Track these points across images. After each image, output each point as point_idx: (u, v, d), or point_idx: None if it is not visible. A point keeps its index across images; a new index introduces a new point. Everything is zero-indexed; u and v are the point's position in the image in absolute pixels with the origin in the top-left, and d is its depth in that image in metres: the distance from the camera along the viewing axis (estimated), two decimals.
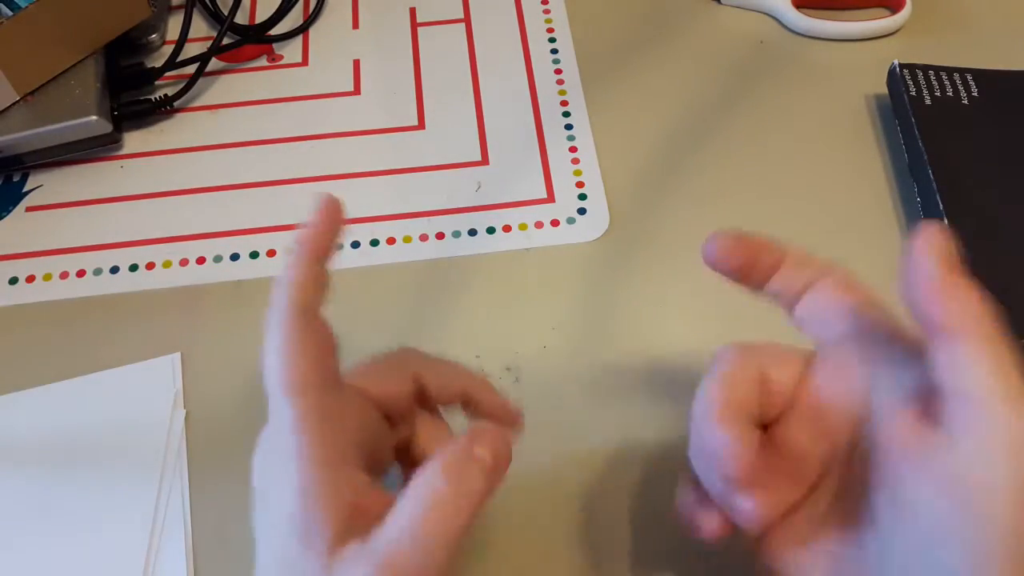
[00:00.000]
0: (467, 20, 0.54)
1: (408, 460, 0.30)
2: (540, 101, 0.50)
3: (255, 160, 0.48)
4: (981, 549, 0.21)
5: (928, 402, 0.23)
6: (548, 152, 0.47)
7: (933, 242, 0.24)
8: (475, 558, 0.35)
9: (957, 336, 0.23)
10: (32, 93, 0.46)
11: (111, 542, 0.35)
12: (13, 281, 0.43)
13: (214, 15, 0.53)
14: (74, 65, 0.47)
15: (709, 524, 0.27)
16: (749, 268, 0.28)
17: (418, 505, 0.23)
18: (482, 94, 0.50)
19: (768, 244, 0.28)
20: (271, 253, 0.44)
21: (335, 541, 0.23)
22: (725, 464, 0.25)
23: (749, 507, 0.25)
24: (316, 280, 0.27)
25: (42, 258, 0.44)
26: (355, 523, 0.24)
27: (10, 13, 0.44)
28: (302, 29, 0.54)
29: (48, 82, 0.46)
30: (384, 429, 0.29)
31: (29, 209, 0.46)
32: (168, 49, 0.50)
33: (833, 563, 0.25)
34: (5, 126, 0.45)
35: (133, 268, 0.44)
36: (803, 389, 0.27)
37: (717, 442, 0.25)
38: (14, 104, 0.46)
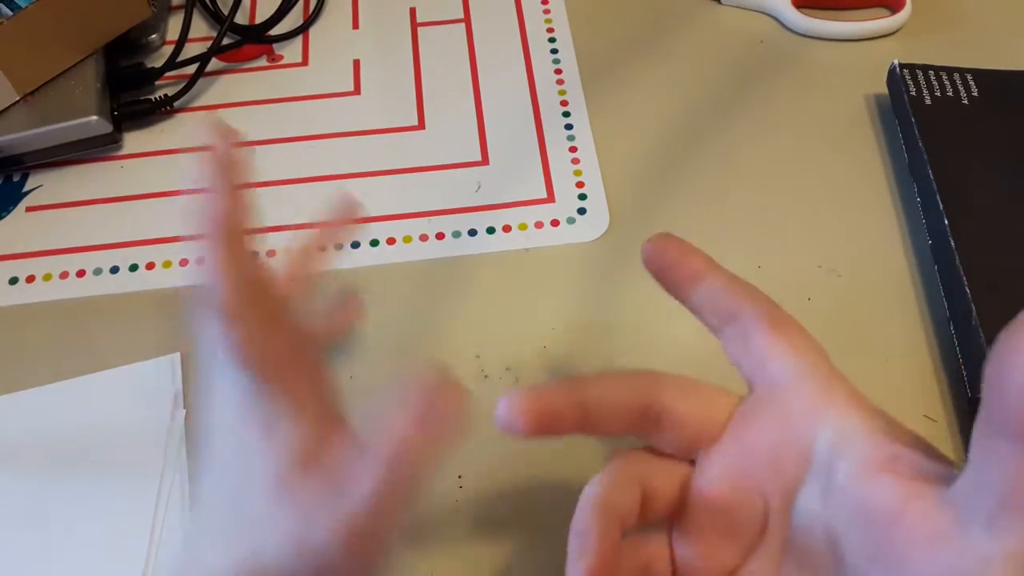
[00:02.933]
0: (467, 20, 0.54)
1: None
2: (540, 101, 0.50)
3: (255, 160, 0.48)
4: None
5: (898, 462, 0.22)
6: (548, 152, 0.47)
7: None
8: (474, 558, 0.35)
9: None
10: (32, 93, 0.46)
11: (111, 542, 0.35)
12: (13, 281, 0.43)
13: (214, 15, 0.53)
14: (74, 65, 0.47)
15: None
16: (670, 269, 0.29)
17: (379, 476, 0.23)
18: (482, 94, 0.50)
19: (693, 252, 0.29)
20: (271, 253, 0.44)
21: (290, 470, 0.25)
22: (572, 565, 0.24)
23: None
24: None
25: (42, 258, 0.44)
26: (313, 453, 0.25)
27: (10, 13, 0.44)
28: (302, 29, 0.54)
29: (48, 82, 0.47)
30: None
31: (29, 209, 0.46)
32: (168, 49, 0.50)
33: None
34: (5, 126, 0.45)
35: (133, 268, 0.44)
36: (729, 432, 0.26)
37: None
38: (14, 104, 0.46)
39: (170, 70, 0.49)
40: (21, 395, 0.39)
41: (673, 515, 0.27)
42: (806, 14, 0.52)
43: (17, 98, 0.46)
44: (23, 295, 0.43)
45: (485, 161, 0.47)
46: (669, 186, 0.46)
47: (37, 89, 0.46)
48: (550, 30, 0.53)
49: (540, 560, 0.35)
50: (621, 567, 0.26)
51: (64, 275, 0.43)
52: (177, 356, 0.40)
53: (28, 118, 0.45)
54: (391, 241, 0.44)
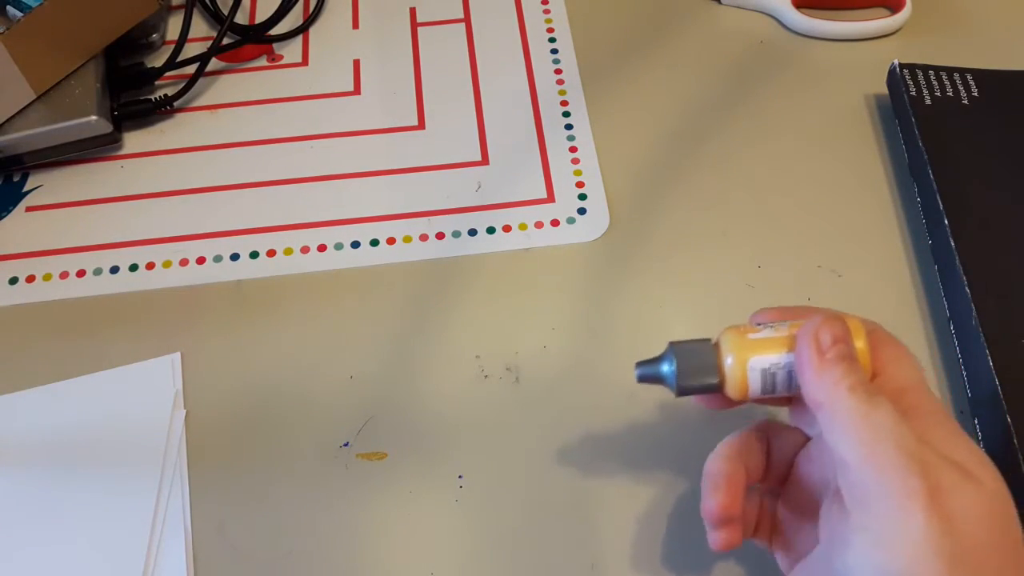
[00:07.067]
0: (467, 20, 0.54)
1: None
2: (540, 101, 0.50)
3: (255, 160, 0.48)
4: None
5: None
6: (548, 152, 0.47)
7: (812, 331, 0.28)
8: (474, 559, 0.35)
9: (825, 408, 0.27)
10: None
11: (111, 542, 0.35)
12: (13, 281, 0.43)
13: (214, 15, 0.53)
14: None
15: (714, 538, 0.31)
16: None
17: None
18: (482, 94, 0.50)
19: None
20: (271, 253, 0.44)
21: None
22: (705, 499, 0.30)
23: (713, 539, 0.30)
24: None
25: (42, 258, 0.44)
26: None
27: (19, 14, 0.44)
28: (302, 29, 0.54)
29: None
30: None
31: (29, 209, 0.46)
32: (168, 49, 0.50)
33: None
34: (6, 126, 0.45)
35: (133, 268, 0.44)
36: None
37: (708, 471, 0.30)
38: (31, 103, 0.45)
39: (170, 70, 0.49)
40: (21, 395, 0.39)
41: (781, 484, 0.32)
42: (806, 14, 0.52)
43: (35, 97, 0.45)
44: (23, 295, 0.43)
45: (485, 161, 0.47)
46: (669, 186, 0.46)
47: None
48: (550, 30, 0.53)
49: (540, 560, 0.35)
50: (741, 510, 0.30)
51: (64, 275, 0.43)
52: (177, 356, 0.40)
53: (28, 118, 0.45)
54: (391, 241, 0.44)
